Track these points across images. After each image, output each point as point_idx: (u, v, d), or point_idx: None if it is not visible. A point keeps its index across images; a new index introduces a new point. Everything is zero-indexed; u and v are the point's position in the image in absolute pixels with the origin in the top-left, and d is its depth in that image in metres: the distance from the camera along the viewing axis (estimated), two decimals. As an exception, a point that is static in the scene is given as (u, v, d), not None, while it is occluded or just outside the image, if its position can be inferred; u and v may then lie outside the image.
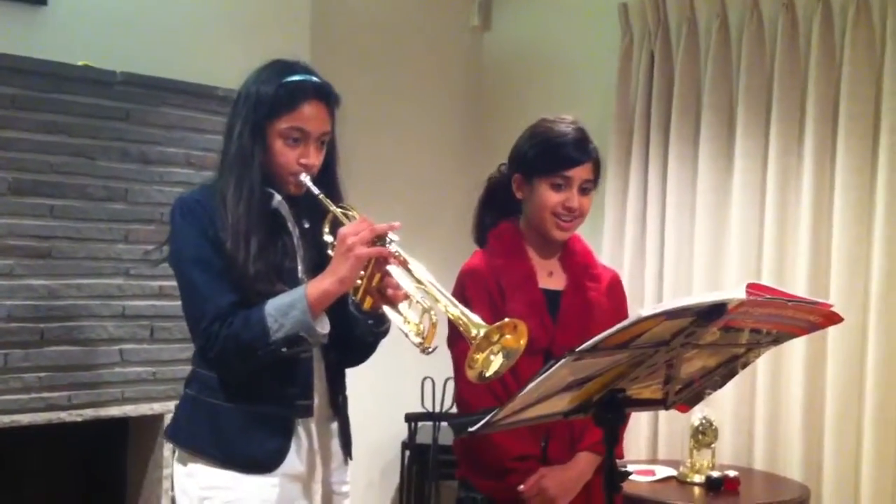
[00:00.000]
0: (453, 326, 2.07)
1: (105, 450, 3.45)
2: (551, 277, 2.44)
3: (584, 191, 2.38)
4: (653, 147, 4.14)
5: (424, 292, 1.95)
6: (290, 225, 2.14)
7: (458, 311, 1.89)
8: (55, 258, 3.06)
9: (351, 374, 2.27)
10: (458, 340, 2.26)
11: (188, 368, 2.20)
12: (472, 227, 2.55)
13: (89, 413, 3.14)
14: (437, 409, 4.07)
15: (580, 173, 2.35)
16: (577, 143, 2.36)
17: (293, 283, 2.08)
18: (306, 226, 2.16)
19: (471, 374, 1.86)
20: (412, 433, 4.24)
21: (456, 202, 4.54)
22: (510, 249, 2.42)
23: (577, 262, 2.46)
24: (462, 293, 2.35)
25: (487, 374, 1.87)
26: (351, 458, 2.25)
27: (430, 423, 4.10)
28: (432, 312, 1.93)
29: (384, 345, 2.21)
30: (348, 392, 2.26)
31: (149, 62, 3.29)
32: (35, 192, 3.02)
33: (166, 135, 3.30)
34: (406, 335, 1.99)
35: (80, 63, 3.12)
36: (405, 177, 4.51)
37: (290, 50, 2.21)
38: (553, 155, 2.36)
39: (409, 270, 1.98)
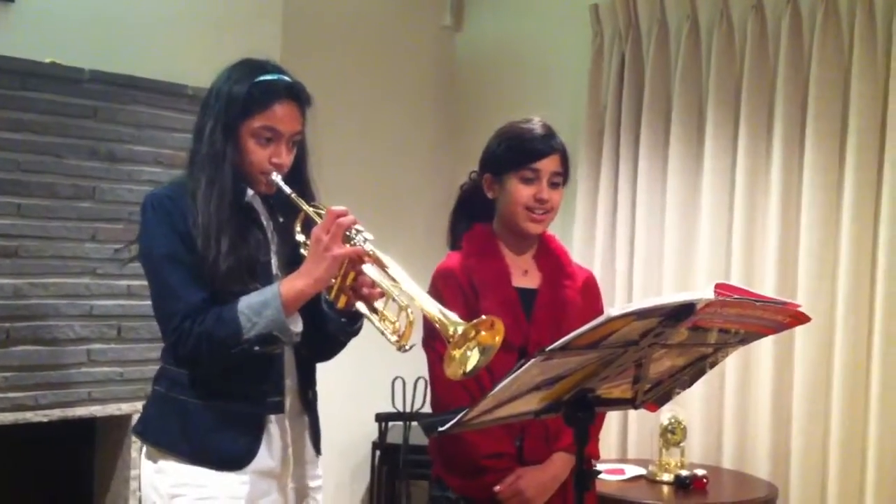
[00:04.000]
0: (429, 327, 2.07)
1: (72, 450, 3.42)
2: (526, 276, 2.45)
3: (554, 185, 2.39)
4: (623, 147, 4.16)
5: (400, 290, 1.95)
6: (264, 219, 2.14)
7: (434, 309, 1.90)
8: (22, 257, 3.03)
9: (321, 373, 2.26)
10: (434, 342, 2.26)
11: (156, 368, 2.18)
12: (447, 235, 2.57)
13: (56, 413, 3.11)
14: (408, 409, 4.07)
15: (548, 165, 2.38)
16: (542, 136, 2.40)
17: (267, 278, 2.08)
18: (280, 220, 2.15)
19: (449, 372, 1.87)
20: (382, 433, 4.24)
21: (428, 202, 4.56)
22: (483, 249, 2.44)
23: (552, 261, 2.47)
24: (436, 293, 2.35)
25: (466, 371, 1.88)
26: (320, 453, 2.25)
27: (400, 423, 4.10)
28: (409, 310, 1.94)
29: (354, 345, 2.20)
30: (319, 392, 2.25)
31: (118, 60, 3.27)
32: (2, 190, 2.99)
33: (135, 133, 3.27)
34: (382, 333, 2.00)
35: (47, 60, 3.09)
36: (377, 176, 4.50)
37: (261, 49, 2.20)
38: (520, 149, 2.38)
39: (384, 269, 1.99)
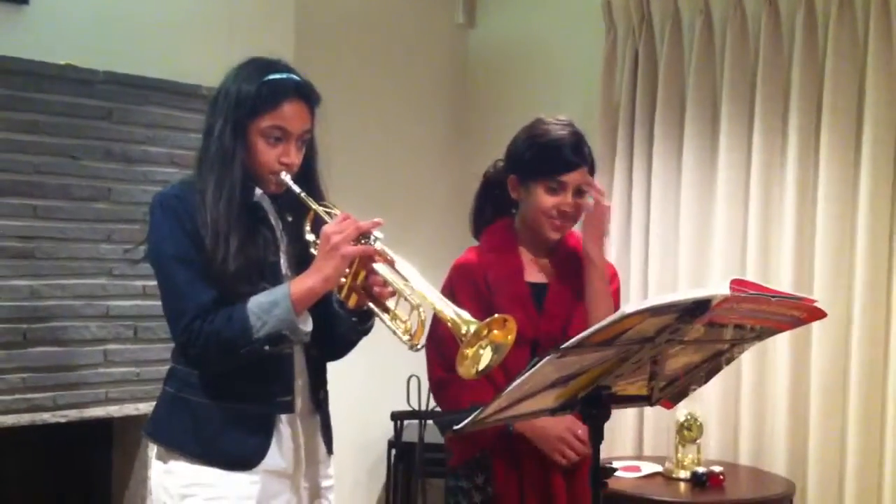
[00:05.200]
0: (435, 322, 2.07)
1: (90, 451, 3.44)
2: (540, 271, 2.45)
3: (580, 193, 2.38)
4: (637, 143, 4.14)
5: (411, 289, 1.95)
6: (273, 218, 2.14)
7: (447, 307, 1.90)
8: (38, 258, 3.04)
9: (337, 372, 2.26)
10: (437, 327, 2.25)
11: (172, 368, 2.19)
12: (470, 220, 2.57)
13: (73, 414, 3.12)
14: (423, 408, 4.07)
15: (575, 178, 2.36)
16: (573, 147, 2.37)
17: (275, 278, 2.08)
18: (289, 219, 2.15)
19: (462, 371, 1.87)
20: (398, 432, 4.23)
21: (441, 199, 4.55)
22: (501, 246, 2.44)
23: (568, 254, 2.47)
24: (450, 287, 2.37)
25: (478, 370, 1.88)
26: (332, 453, 2.25)
27: (416, 422, 4.10)
28: (420, 310, 1.93)
29: (369, 343, 2.20)
30: (334, 391, 2.25)
31: (132, 61, 3.27)
32: (18, 192, 3.00)
33: (149, 134, 3.28)
34: (394, 332, 2.00)
35: (62, 62, 3.10)
36: (390, 173, 4.50)
37: (274, 48, 2.20)
38: (549, 159, 2.36)
39: (395, 268, 1.98)
